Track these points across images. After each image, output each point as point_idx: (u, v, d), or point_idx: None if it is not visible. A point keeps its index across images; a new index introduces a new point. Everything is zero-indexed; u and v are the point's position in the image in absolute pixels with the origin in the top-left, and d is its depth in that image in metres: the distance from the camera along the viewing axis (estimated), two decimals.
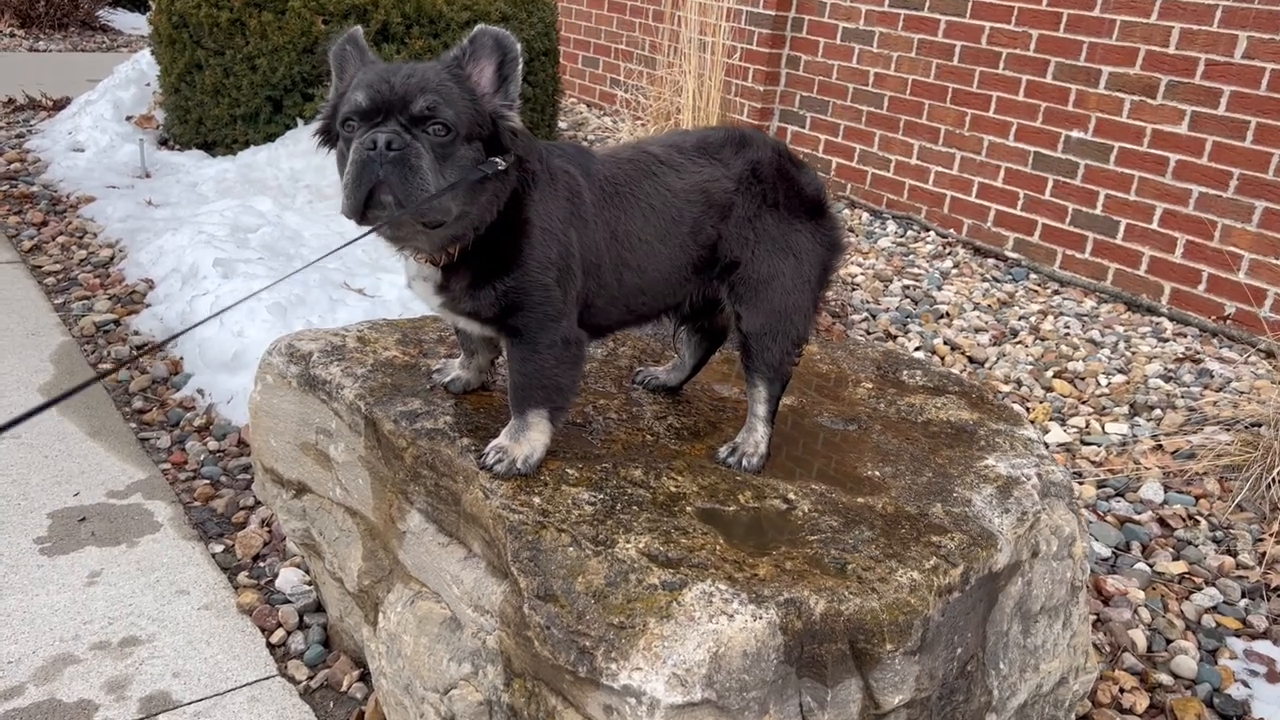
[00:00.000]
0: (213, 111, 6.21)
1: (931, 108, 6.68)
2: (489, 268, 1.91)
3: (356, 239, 1.84)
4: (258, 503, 3.18)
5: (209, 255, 4.52)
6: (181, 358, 4.01)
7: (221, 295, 4.17)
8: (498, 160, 1.82)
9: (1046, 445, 3.11)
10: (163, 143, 6.66)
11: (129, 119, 6.82)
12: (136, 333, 4.24)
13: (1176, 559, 3.33)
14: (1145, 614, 3.01)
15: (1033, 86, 6.14)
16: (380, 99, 1.74)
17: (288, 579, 2.84)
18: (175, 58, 6.27)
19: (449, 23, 6.15)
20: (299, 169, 5.77)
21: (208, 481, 3.33)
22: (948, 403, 2.57)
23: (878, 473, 2.22)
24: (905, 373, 2.75)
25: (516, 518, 1.90)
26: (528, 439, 2.02)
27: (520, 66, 1.85)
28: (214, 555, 2.99)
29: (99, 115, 6.68)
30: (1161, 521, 3.53)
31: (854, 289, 5.50)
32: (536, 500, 1.95)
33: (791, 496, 2.08)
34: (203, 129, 6.34)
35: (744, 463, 2.15)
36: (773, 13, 7.44)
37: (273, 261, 4.57)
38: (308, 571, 2.86)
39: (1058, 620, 2.24)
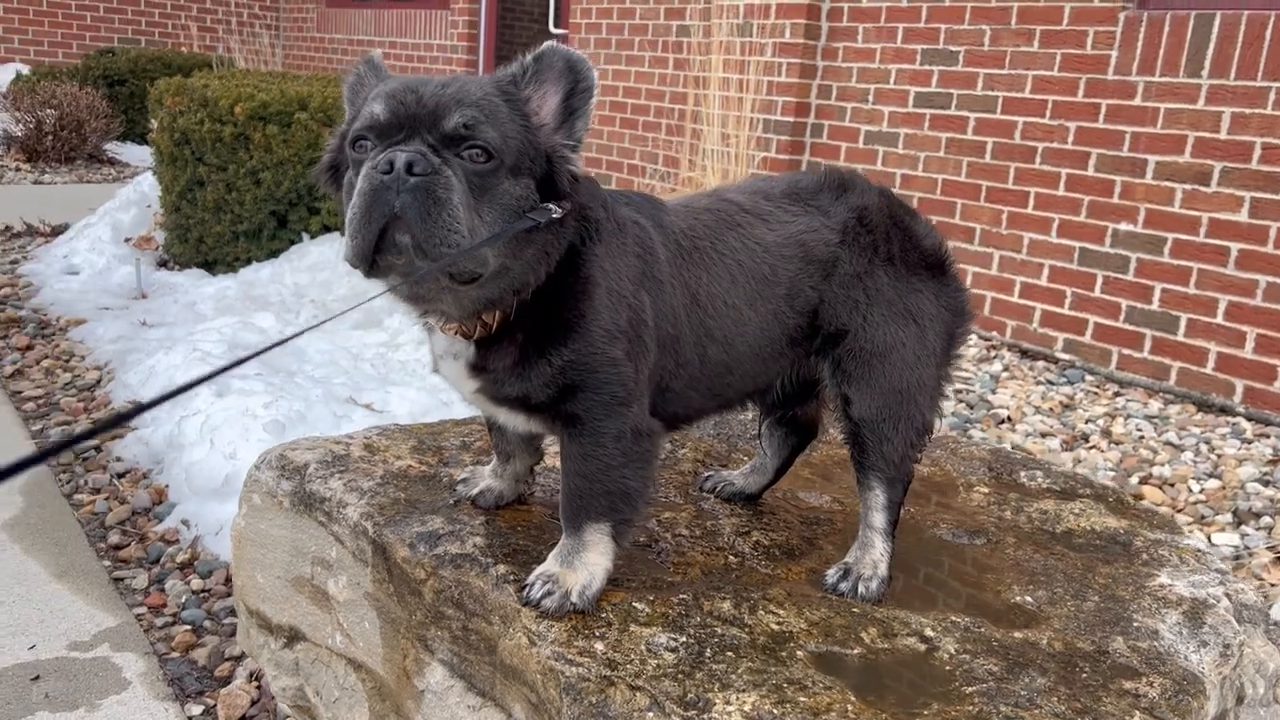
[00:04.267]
0: (214, 229, 5.90)
1: (965, 207, 6.36)
2: (540, 337, 1.47)
3: (348, 310, 1.41)
4: (245, 653, 2.67)
5: (199, 374, 4.11)
6: (167, 485, 3.55)
7: (213, 415, 3.73)
8: (551, 207, 1.41)
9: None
10: (162, 263, 6.34)
11: (127, 240, 6.52)
12: (119, 459, 3.80)
13: None
14: None
15: (1074, 180, 5.82)
16: (404, 111, 1.34)
17: None
18: (176, 175, 6.00)
19: None
20: (303, 284, 5.41)
21: (189, 627, 2.83)
22: (1086, 508, 2.10)
23: (1029, 598, 1.73)
24: (1024, 474, 2.29)
25: (574, 671, 1.42)
26: (584, 563, 1.55)
27: (594, 99, 1.45)
28: (190, 718, 2.48)
29: (96, 238, 6.39)
30: None
31: None
32: (599, 647, 1.47)
33: (929, 633, 1.60)
34: (203, 247, 6.02)
35: (860, 589, 1.67)
36: (791, 119, 7.22)
37: (272, 378, 4.15)
38: None
39: None
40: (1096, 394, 5.33)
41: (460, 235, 1.30)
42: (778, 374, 1.73)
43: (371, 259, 1.31)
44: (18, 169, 9.94)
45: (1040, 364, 5.77)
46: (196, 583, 3.03)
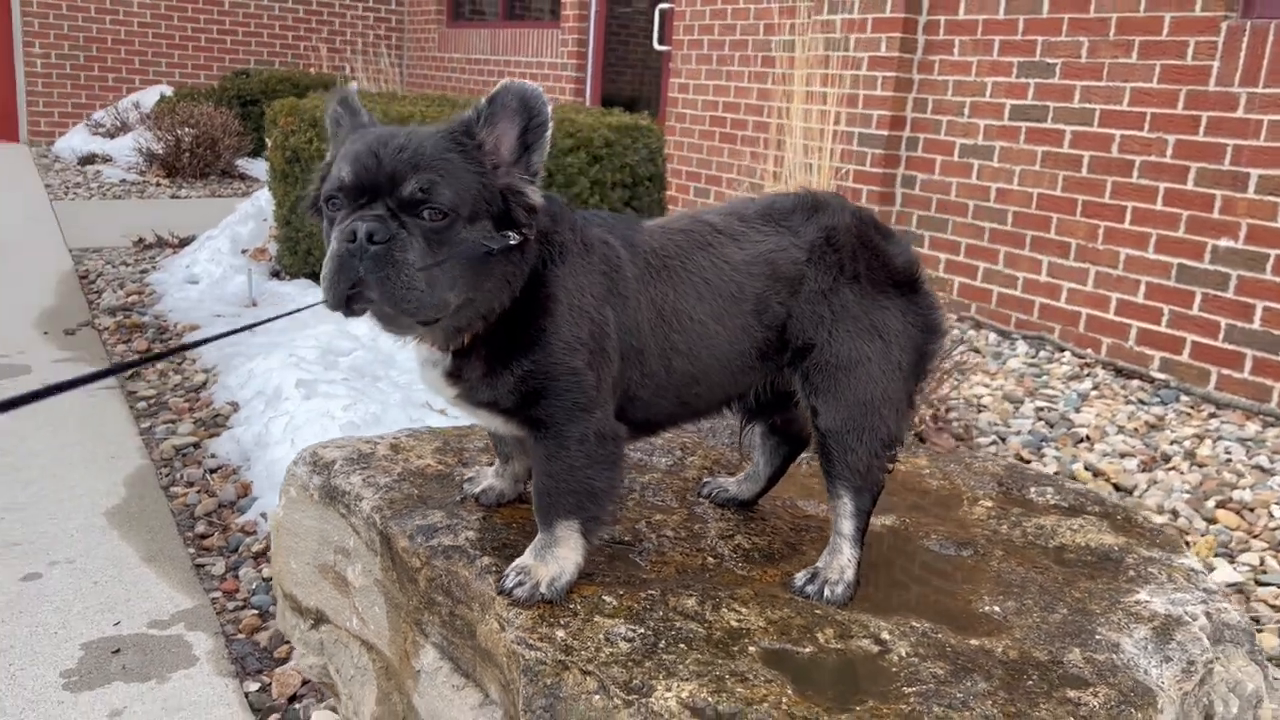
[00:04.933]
0: (320, 241, 6.24)
1: (1060, 221, 6.25)
2: (505, 349, 1.61)
3: (299, 310, 1.57)
4: (283, 633, 2.88)
5: (293, 377, 4.39)
6: (252, 480, 3.82)
7: (297, 415, 4.00)
8: (509, 234, 1.54)
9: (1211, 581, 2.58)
10: (274, 274, 6.74)
11: (244, 252, 6.94)
12: (213, 455, 4.09)
13: None
14: None
15: (1172, 194, 5.66)
16: (366, 176, 1.49)
17: None
18: (287, 191, 6.37)
19: (552, 149, 6.08)
20: None
21: (255, 612, 3.06)
22: (1086, 525, 2.12)
23: (997, 608, 1.78)
24: (1034, 489, 2.30)
25: (533, 655, 1.54)
26: (555, 558, 1.67)
27: (549, 132, 1.57)
28: (248, 694, 2.69)
29: (216, 249, 6.83)
30: None
31: (980, 410, 5.02)
32: (561, 634, 1.58)
33: (885, 636, 1.66)
34: (310, 259, 6.37)
35: (826, 592, 1.75)
36: (886, 133, 7.21)
37: (357, 383, 4.40)
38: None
39: None
40: (1189, 415, 5.17)
41: (418, 291, 1.45)
42: (750, 384, 1.82)
43: (345, 309, 1.47)
44: (158, 184, 10.65)
45: (1134, 383, 5.62)
46: (267, 571, 3.26)
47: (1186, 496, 4.08)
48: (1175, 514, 3.95)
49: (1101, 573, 1.92)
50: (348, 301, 1.47)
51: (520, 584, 1.65)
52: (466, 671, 1.73)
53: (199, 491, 3.81)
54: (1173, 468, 4.41)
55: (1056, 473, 4.26)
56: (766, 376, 1.82)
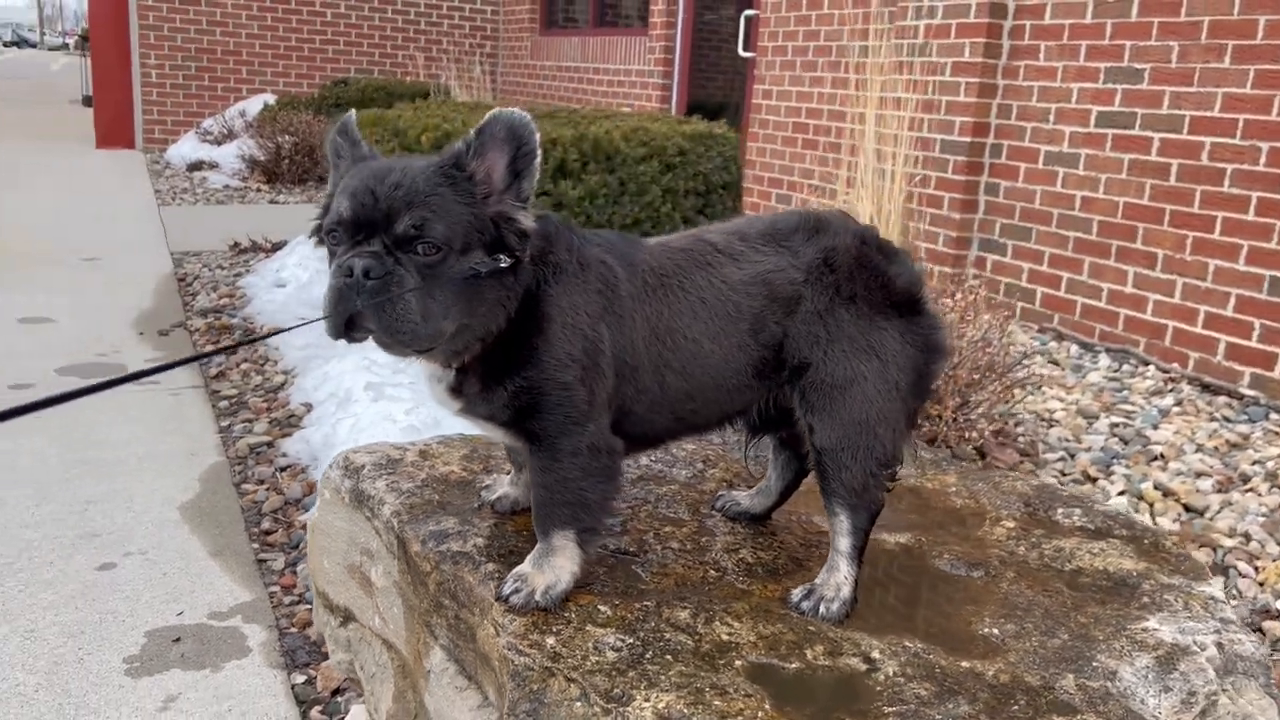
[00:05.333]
0: None
1: (1147, 231, 6.06)
2: (500, 366, 1.67)
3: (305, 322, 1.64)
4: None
5: (364, 380, 4.54)
6: (317, 480, 3.97)
7: (363, 418, 4.13)
8: (500, 258, 1.60)
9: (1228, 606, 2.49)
10: None
11: None
12: (284, 454, 4.26)
13: None
14: None
15: (1265, 204, 5.45)
16: (364, 213, 1.56)
17: (357, 718, 2.61)
18: None
19: (625, 158, 6.16)
20: None
21: (309, 607, 3.18)
22: (1108, 549, 2.07)
23: (996, 631, 1.76)
24: (1061, 511, 2.26)
25: (522, 660, 1.59)
26: (552, 566, 1.72)
27: (538, 159, 1.63)
28: (294, 686, 2.81)
29: (304, 254, 7.07)
30: None
31: (1051, 425, 4.90)
32: (551, 641, 1.63)
33: (876, 655, 1.66)
34: None
35: (821, 609, 1.76)
36: (969, 140, 7.09)
37: (421, 385, 4.53)
38: None
39: None
40: (1277, 434, 4.96)
41: (413, 323, 1.53)
42: (748, 401, 1.84)
43: (345, 336, 1.56)
44: (258, 189, 11.08)
45: (1221, 399, 5.43)
46: None
47: (1262, 519, 3.93)
48: (1247, 537, 3.81)
49: (1114, 598, 1.88)
50: (347, 329, 1.55)
51: (516, 591, 1.70)
52: (469, 673, 1.79)
53: (268, 489, 3.97)
54: (1251, 489, 4.24)
55: (1123, 491, 4.15)
56: (766, 394, 1.84)
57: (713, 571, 1.90)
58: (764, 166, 9.62)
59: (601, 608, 1.73)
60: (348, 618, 2.25)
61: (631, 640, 1.65)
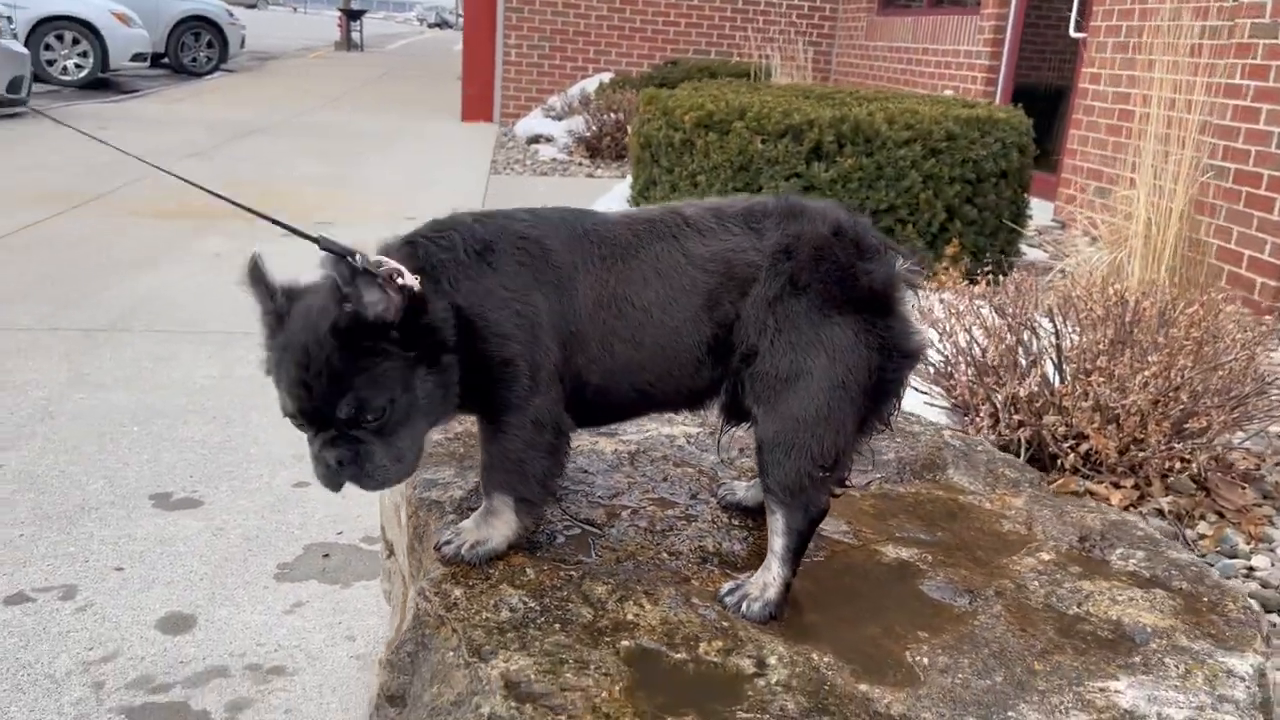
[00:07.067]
0: None
1: None
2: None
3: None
4: None
5: None
6: None
7: None
8: (445, 358, 1.65)
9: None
10: None
11: None
12: None
13: None
14: None
15: None
16: (306, 408, 1.60)
17: None
18: (639, 174, 6.83)
19: (885, 141, 5.94)
20: None
21: None
22: (1141, 599, 1.80)
23: (926, 661, 1.61)
24: (1120, 551, 1.99)
25: (425, 606, 1.68)
26: (488, 525, 1.79)
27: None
28: None
29: None
30: None
31: None
32: (458, 593, 1.70)
33: (771, 661, 1.58)
34: None
35: (744, 607, 1.69)
36: None
37: None
38: None
39: None
40: None
41: (394, 471, 1.66)
42: (709, 380, 1.78)
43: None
44: (580, 163, 11.76)
45: None
46: None
47: None
48: None
49: (1100, 651, 1.64)
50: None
51: (448, 542, 1.79)
52: None
53: None
54: None
55: None
56: (726, 377, 1.78)
57: (665, 555, 1.87)
58: (1083, 156, 8.85)
59: (529, 571, 1.78)
60: (391, 551, 2.44)
61: (534, 605, 1.68)
